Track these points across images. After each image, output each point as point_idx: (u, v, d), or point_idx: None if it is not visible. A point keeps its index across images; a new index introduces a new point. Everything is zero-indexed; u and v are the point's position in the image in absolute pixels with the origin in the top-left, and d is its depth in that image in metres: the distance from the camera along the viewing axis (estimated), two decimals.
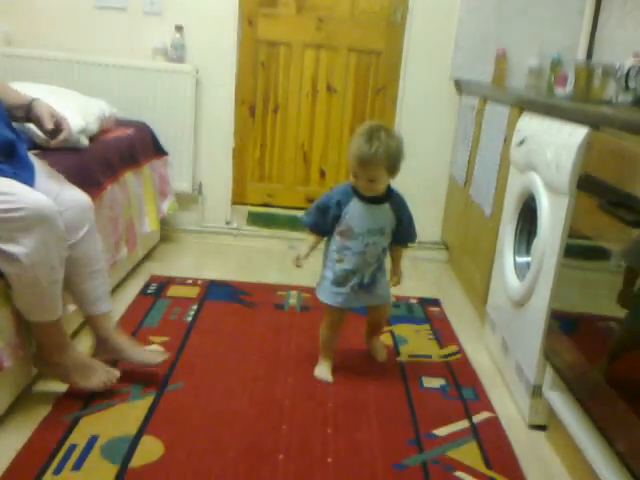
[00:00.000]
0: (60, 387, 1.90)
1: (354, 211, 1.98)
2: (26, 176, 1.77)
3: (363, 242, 2.00)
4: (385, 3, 3.30)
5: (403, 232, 2.09)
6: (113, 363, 1.98)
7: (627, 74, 2.57)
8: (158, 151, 3.15)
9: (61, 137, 1.92)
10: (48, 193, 1.79)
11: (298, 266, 2.04)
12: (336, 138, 3.47)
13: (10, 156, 1.78)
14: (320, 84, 3.41)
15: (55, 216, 1.67)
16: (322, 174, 3.52)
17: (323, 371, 2.11)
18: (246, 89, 3.40)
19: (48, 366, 1.84)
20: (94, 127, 2.53)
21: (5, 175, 1.68)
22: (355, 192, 1.98)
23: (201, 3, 3.24)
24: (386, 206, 2.01)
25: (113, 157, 2.54)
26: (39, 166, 1.89)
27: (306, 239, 2.09)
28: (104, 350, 2.01)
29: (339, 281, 2.04)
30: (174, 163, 3.29)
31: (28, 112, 1.90)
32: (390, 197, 2.02)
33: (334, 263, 2.04)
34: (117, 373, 1.90)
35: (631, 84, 2.56)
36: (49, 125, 1.87)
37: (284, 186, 3.54)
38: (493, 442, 1.84)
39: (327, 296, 2.08)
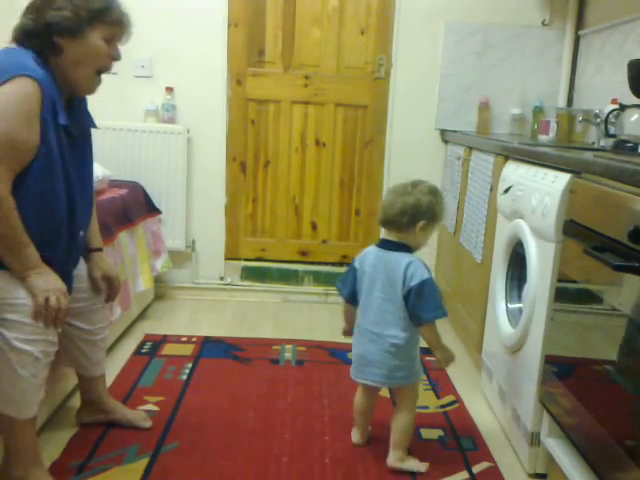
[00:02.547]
0: (54, 453, 1.87)
1: None
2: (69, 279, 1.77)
3: None
4: (369, 59, 3.39)
5: None
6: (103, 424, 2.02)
7: (606, 119, 2.63)
8: (151, 210, 3.19)
9: (114, 298, 2.00)
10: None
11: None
12: (326, 191, 3.51)
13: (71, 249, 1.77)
14: (309, 139, 3.47)
15: None
16: (314, 227, 3.55)
17: (415, 463, 1.92)
18: (237, 146, 3.46)
19: None
20: None
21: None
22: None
23: (191, 65, 3.32)
24: None
25: (108, 218, 2.56)
26: None
27: (438, 335, 1.89)
28: (92, 411, 2.05)
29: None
30: (167, 221, 3.32)
31: (87, 260, 1.92)
32: None
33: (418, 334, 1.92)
34: None
35: (611, 129, 2.61)
36: (97, 292, 1.92)
37: (277, 240, 3.56)
38: None
39: (420, 367, 1.96)
